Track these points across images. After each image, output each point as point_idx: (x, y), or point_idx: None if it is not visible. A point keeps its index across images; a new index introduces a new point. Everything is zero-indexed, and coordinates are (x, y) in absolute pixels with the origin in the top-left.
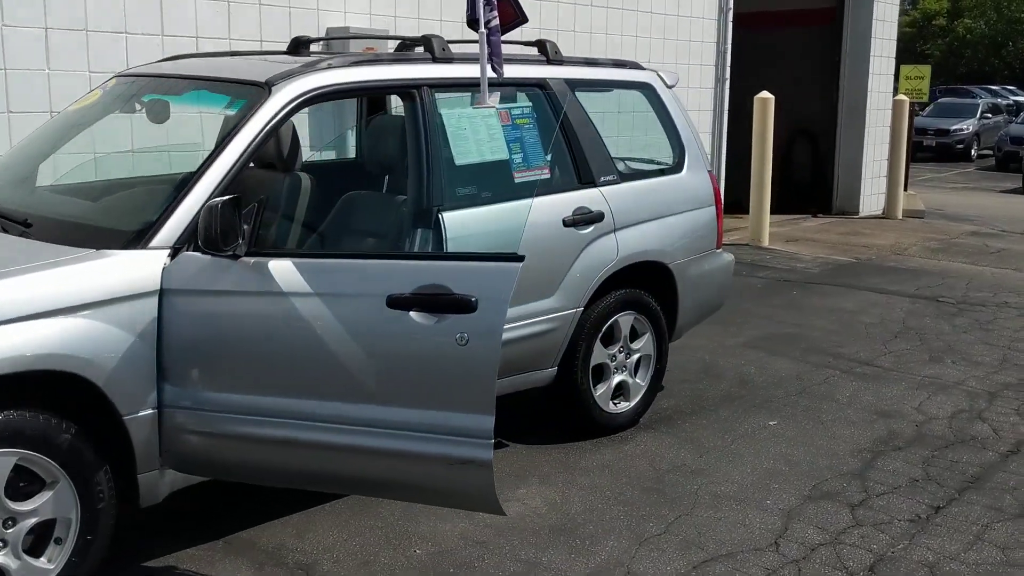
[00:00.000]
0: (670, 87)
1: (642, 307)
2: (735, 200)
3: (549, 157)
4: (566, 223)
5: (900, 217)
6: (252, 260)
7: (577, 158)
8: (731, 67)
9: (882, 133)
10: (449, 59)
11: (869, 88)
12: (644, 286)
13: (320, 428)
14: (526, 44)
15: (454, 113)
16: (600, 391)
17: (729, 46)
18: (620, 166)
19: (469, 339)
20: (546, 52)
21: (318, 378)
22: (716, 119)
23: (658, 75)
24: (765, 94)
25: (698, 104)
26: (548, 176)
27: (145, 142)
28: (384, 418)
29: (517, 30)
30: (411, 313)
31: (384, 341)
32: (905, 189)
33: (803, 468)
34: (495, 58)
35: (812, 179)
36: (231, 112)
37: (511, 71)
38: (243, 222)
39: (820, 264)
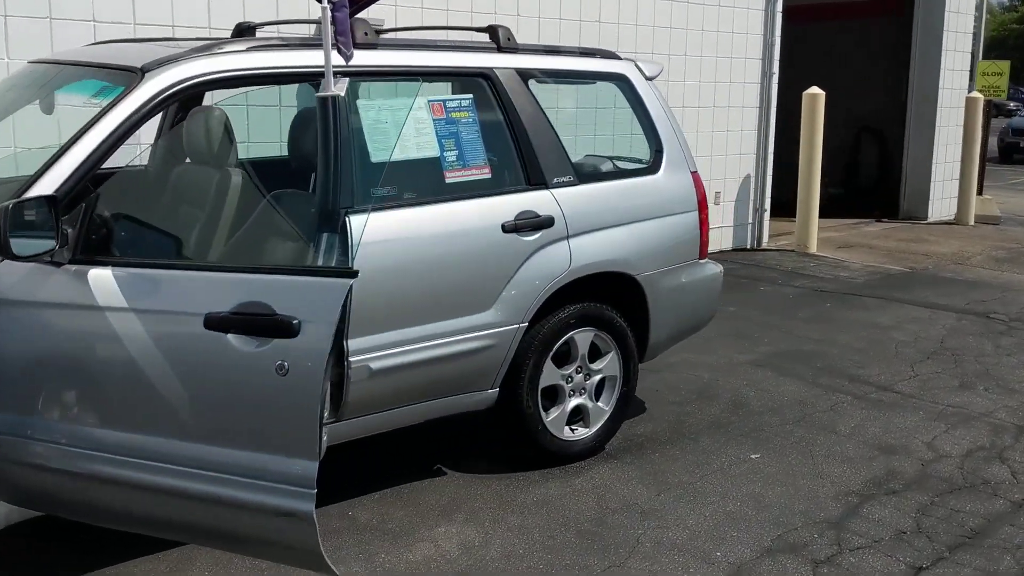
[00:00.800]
0: (650, 78)
1: (604, 323)
2: (787, 201)
3: (494, 157)
4: (506, 228)
5: (972, 223)
6: (74, 268)
7: (526, 157)
8: (787, 62)
9: (955, 133)
10: (372, 45)
11: (941, 84)
12: (608, 299)
13: (140, 466)
14: (478, 30)
15: (374, 104)
16: (552, 415)
17: (778, 38)
18: (583, 165)
19: (290, 368)
20: (497, 39)
21: (135, 409)
22: (762, 116)
23: (636, 65)
24: (815, 89)
25: (741, 100)
26: (489, 176)
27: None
28: (203, 458)
29: (468, 14)
30: (229, 335)
31: (200, 369)
32: (979, 192)
33: (772, 513)
34: (342, 38)
35: (878, 181)
36: (100, 100)
37: (451, 60)
38: (67, 224)
39: (868, 273)
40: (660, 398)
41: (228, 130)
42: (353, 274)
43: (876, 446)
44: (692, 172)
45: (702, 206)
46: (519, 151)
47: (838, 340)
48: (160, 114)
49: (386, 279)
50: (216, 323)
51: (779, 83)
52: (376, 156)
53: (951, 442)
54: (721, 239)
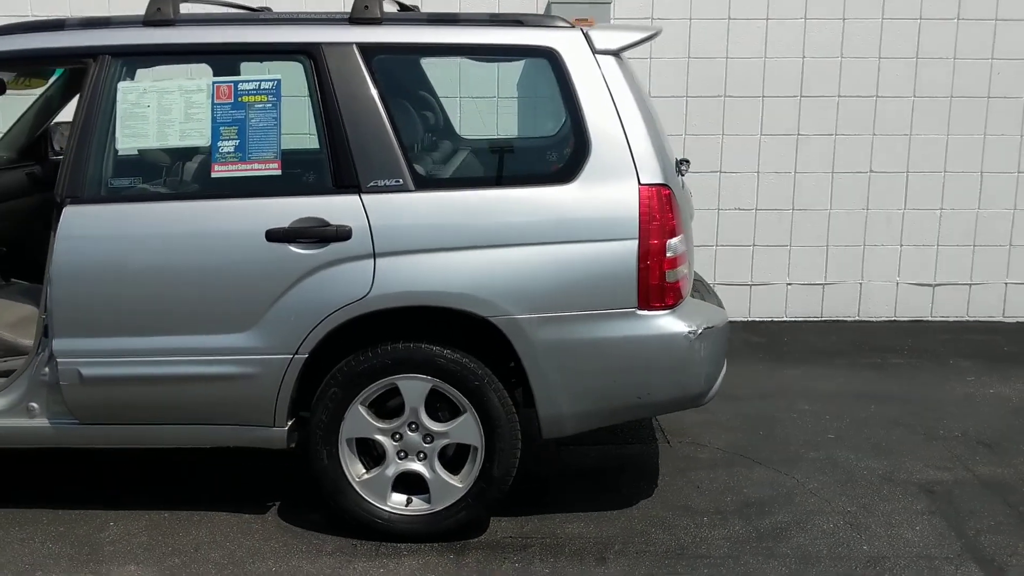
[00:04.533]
0: (603, 52)
1: (448, 374)
2: None
3: (298, 151)
4: (272, 236)
5: None
6: None
7: (336, 152)
8: None
9: None
10: (168, 22)
11: None
12: (474, 345)
13: None
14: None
15: (137, 87)
16: (369, 475)
17: None
18: (443, 167)
19: None
20: (357, 8)
21: None
22: None
23: (583, 34)
24: None
25: None
26: (277, 173)
27: None
28: None
29: None
30: None
31: None
32: None
33: None
34: None
35: None
36: None
37: (261, 35)
38: None
39: None
40: (683, 497)
41: (40, 121)
42: None
43: None
44: (644, 186)
45: (649, 234)
46: (330, 145)
47: None
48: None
49: (98, 278)
50: None
51: None
52: (124, 144)
53: None
54: None
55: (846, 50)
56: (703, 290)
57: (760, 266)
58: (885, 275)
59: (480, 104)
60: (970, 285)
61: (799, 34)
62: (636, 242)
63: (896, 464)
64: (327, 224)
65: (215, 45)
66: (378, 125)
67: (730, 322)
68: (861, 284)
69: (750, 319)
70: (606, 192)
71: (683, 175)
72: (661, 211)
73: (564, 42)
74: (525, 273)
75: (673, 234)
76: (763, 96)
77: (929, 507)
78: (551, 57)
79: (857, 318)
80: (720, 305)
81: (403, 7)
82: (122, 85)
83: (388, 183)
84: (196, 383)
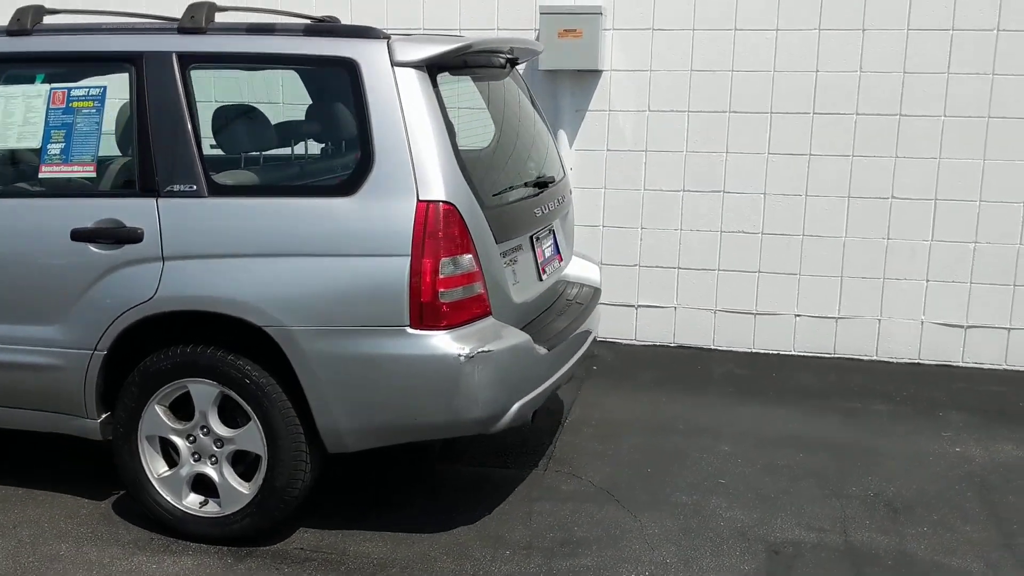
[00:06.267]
0: (403, 64)
1: (229, 380)
2: None
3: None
4: (77, 236)
5: None
6: None
7: (143, 156)
8: None
9: None
10: (25, 32)
11: None
12: (260, 353)
13: None
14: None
15: None
16: (168, 473)
17: None
18: (235, 174)
19: None
20: (187, 18)
21: None
22: None
23: (387, 46)
24: None
25: None
26: (92, 175)
27: None
28: None
29: None
30: None
31: None
32: None
33: None
34: None
35: None
36: None
37: (93, 44)
38: None
39: None
40: (505, 528)
41: None
42: None
43: None
44: (423, 202)
45: (424, 251)
46: (138, 150)
47: None
48: None
49: None
50: None
51: None
52: None
53: None
54: None
55: (865, 63)
56: (562, 309)
57: (765, 294)
58: (908, 312)
59: (296, 113)
60: (1008, 329)
61: (812, 45)
62: (407, 259)
63: (766, 519)
64: (123, 226)
65: (56, 53)
66: (181, 132)
67: (532, 346)
68: (879, 320)
69: (753, 350)
70: (384, 206)
71: (545, 189)
72: (441, 228)
73: (364, 53)
74: (300, 284)
75: (455, 252)
76: (771, 112)
77: (758, 569)
78: (349, 68)
79: (875, 357)
80: (570, 327)
81: (320, 20)
82: None
83: (183, 188)
84: (12, 369)
